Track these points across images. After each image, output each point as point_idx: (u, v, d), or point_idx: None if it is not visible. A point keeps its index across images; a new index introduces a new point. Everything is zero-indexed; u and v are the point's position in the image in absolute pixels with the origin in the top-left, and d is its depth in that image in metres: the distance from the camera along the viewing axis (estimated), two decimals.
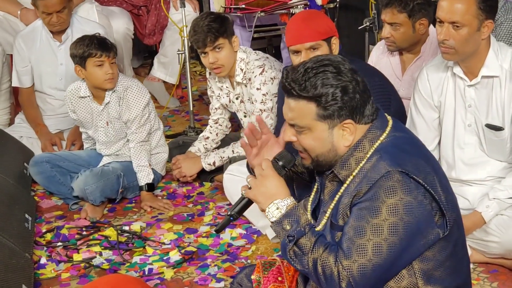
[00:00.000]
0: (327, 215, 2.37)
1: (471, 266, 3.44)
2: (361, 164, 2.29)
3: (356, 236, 2.20)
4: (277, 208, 2.33)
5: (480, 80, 3.39)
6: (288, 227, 2.29)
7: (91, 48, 4.27)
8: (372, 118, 2.33)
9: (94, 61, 4.27)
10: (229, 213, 2.47)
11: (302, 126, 2.32)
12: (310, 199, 2.51)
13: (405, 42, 4.15)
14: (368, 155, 2.29)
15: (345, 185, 2.32)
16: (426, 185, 2.22)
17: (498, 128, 3.41)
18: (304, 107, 2.29)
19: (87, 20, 5.09)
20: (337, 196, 2.34)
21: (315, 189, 2.50)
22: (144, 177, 4.43)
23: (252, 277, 2.59)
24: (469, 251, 3.43)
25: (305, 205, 2.50)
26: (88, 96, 4.42)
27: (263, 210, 2.38)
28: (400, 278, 2.26)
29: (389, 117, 2.38)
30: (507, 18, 4.19)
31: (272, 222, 2.34)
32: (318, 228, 2.36)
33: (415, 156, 2.29)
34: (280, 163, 2.45)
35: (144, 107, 4.44)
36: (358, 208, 2.23)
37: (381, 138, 2.31)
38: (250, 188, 2.40)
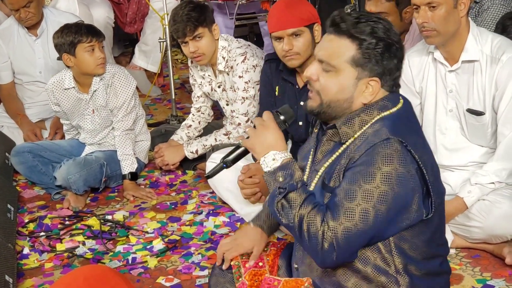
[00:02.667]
0: (319, 173, 2.37)
1: (454, 251, 3.47)
2: (364, 128, 2.30)
3: (346, 198, 2.21)
4: (273, 159, 2.32)
5: (461, 65, 3.40)
6: (281, 179, 2.29)
7: (80, 34, 4.24)
8: (393, 89, 2.35)
9: (85, 46, 4.24)
10: (222, 160, 2.45)
11: (333, 65, 2.31)
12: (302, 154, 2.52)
13: None
14: (373, 120, 2.30)
15: (344, 145, 2.32)
16: (420, 163, 2.24)
17: (479, 113, 3.42)
18: (344, 45, 2.29)
19: (61, 11, 5.05)
20: (334, 156, 2.34)
21: (311, 144, 2.50)
22: (128, 166, 4.41)
23: (232, 263, 2.59)
24: (451, 236, 3.45)
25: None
26: (73, 87, 4.39)
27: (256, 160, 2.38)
28: (376, 250, 2.28)
29: (401, 99, 2.39)
30: (493, 3, 4.20)
31: (265, 172, 2.33)
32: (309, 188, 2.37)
33: (417, 136, 2.31)
34: (282, 117, 2.43)
35: (132, 94, 4.43)
36: (352, 172, 2.23)
37: (391, 110, 2.32)
38: (247, 138, 2.39)
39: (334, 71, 2.30)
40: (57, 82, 4.43)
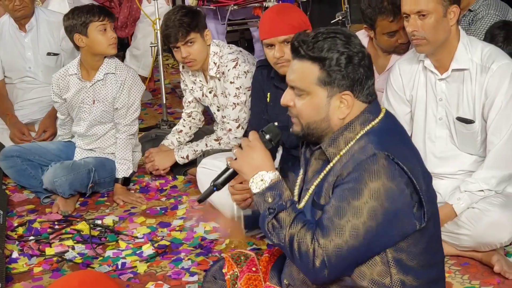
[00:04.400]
0: (309, 192, 2.38)
1: None
2: (349, 145, 2.30)
3: (336, 216, 2.21)
4: (262, 180, 2.33)
5: (451, 74, 3.42)
6: (270, 200, 2.30)
7: (92, 13, 4.26)
8: (370, 99, 2.34)
9: (97, 25, 4.25)
10: (212, 184, 2.47)
11: (302, 89, 2.32)
12: (299, 178, 2.53)
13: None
14: (357, 137, 2.30)
15: (331, 164, 2.33)
16: (409, 174, 2.24)
17: (469, 121, 3.44)
18: (307, 68, 2.30)
19: (52, 11, 5.13)
20: (322, 174, 2.35)
21: (301, 163, 2.52)
22: (124, 171, 4.41)
23: (228, 274, 2.58)
24: None
25: (293, 183, 2.52)
26: (75, 73, 4.39)
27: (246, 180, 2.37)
28: (373, 264, 2.28)
29: (383, 107, 2.40)
30: (488, 13, 4.21)
31: (254, 194, 2.34)
32: (300, 206, 2.38)
33: (403, 146, 2.31)
34: (267, 136, 2.45)
35: (141, 96, 4.45)
36: (341, 189, 2.24)
37: (373, 123, 2.32)
38: (235, 159, 2.40)
39: (306, 94, 2.32)
40: (63, 71, 4.45)
